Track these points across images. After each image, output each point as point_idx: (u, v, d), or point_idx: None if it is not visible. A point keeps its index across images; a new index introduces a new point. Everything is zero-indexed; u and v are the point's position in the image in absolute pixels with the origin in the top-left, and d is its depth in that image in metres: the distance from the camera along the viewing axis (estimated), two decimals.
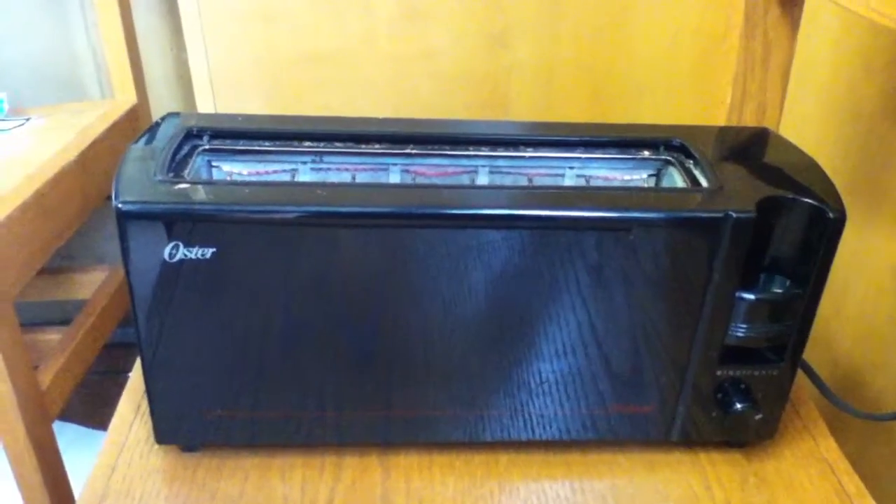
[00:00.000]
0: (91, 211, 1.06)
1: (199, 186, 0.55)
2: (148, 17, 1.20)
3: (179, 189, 0.54)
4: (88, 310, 1.10)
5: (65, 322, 1.08)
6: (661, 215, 0.55)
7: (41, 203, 0.93)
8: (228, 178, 0.62)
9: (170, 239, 0.52)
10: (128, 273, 0.54)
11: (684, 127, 0.66)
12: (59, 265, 1.25)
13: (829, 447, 0.67)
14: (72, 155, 1.01)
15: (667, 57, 1.01)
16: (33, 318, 1.20)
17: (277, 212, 0.53)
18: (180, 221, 0.52)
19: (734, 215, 0.54)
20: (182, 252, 0.53)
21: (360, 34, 1.02)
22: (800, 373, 0.71)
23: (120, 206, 0.52)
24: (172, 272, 0.54)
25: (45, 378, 0.96)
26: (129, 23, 1.14)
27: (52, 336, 1.05)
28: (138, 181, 0.54)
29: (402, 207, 0.54)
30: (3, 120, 1.12)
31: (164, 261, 0.53)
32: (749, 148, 0.66)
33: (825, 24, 0.88)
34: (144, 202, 0.52)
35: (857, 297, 0.87)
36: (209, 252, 0.53)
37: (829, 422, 0.69)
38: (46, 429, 0.94)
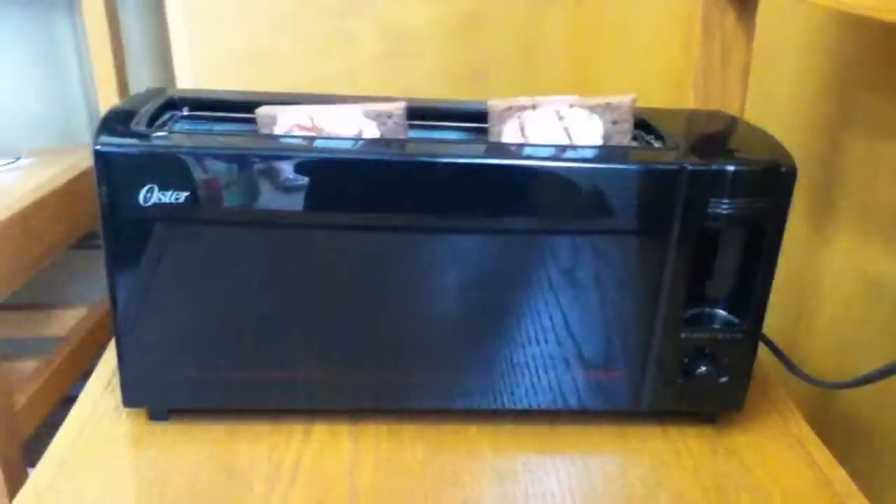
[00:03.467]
0: (74, 240, 1.08)
1: (175, 133, 0.57)
2: (142, 68, 1.25)
3: (157, 135, 0.56)
4: (67, 340, 1.10)
5: None
6: (620, 166, 0.57)
7: (26, 223, 0.95)
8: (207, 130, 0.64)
9: (145, 181, 0.54)
10: (103, 221, 0.55)
11: (647, 108, 0.69)
12: (38, 303, 1.26)
13: (798, 424, 0.67)
14: (58, 183, 1.04)
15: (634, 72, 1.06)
16: (14, 355, 1.19)
17: (252, 155, 0.55)
18: (155, 162, 0.54)
19: (689, 167, 0.56)
20: (157, 196, 0.54)
21: (344, 71, 1.06)
22: (768, 360, 0.72)
23: (98, 147, 0.53)
24: (147, 219, 0.55)
25: (20, 399, 0.96)
26: (122, 74, 1.18)
27: (30, 363, 1.05)
28: (117, 129, 0.56)
29: (378, 154, 0.56)
30: None
31: (140, 205, 0.55)
32: (708, 123, 0.69)
33: (786, 43, 0.93)
34: (121, 144, 0.54)
35: (826, 305, 0.89)
36: (183, 196, 0.55)
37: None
38: (15, 448, 0.93)
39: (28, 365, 1.05)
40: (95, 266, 1.36)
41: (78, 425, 0.62)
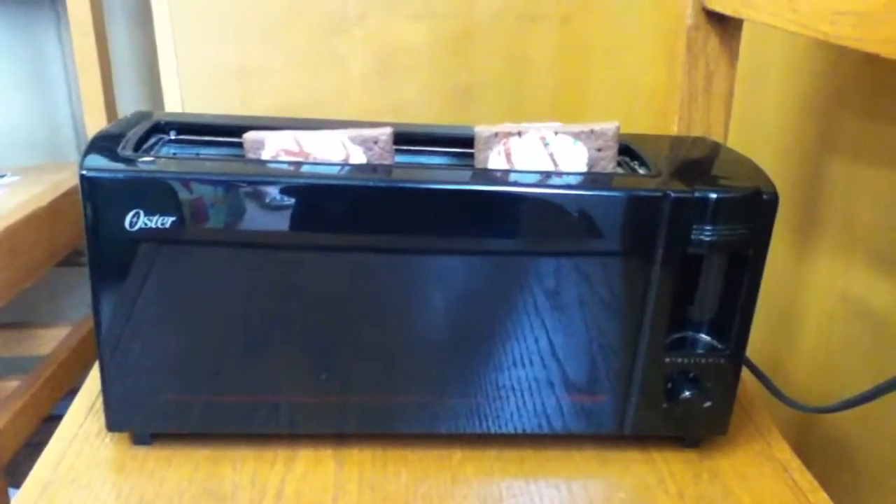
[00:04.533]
0: (59, 259, 1.07)
1: (162, 158, 0.57)
2: (130, 86, 1.25)
3: (143, 160, 0.56)
4: (49, 359, 1.09)
5: None
6: (604, 193, 0.57)
7: (11, 241, 0.95)
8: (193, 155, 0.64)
9: (131, 206, 0.54)
10: (89, 245, 0.55)
11: (631, 135, 0.70)
12: (21, 321, 1.25)
13: (781, 448, 0.67)
14: (44, 201, 1.04)
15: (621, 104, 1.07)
16: None
17: (239, 181, 0.55)
18: (141, 188, 0.54)
19: (672, 195, 0.57)
20: (143, 221, 0.55)
21: (334, 88, 1.07)
22: (752, 383, 0.72)
23: (84, 172, 0.54)
24: (133, 243, 0.55)
25: (2, 418, 0.95)
26: (109, 92, 1.18)
27: (11, 383, 1.04)
28: (103, 154, 0.56)
29: (364, 180, 0.57)
30: None
31: (125, 230, 0.55)
32: (691, 149, 0.69)
33: (769, 69, 0.94)
34: (107, 169, 0.54)
35: (809, 328, 0.89)
36: (169, 221, 0.55)
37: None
38: None
39: (10, 384, 1.04)
40: (79, 284, 1.35)
41: (61, 449, 0.62)
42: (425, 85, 1.06)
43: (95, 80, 1.15)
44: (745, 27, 0.77)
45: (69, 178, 1.14)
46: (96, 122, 1.16)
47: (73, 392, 1.09)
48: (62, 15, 1.26)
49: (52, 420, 1.00)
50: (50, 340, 1.19)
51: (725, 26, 0.76)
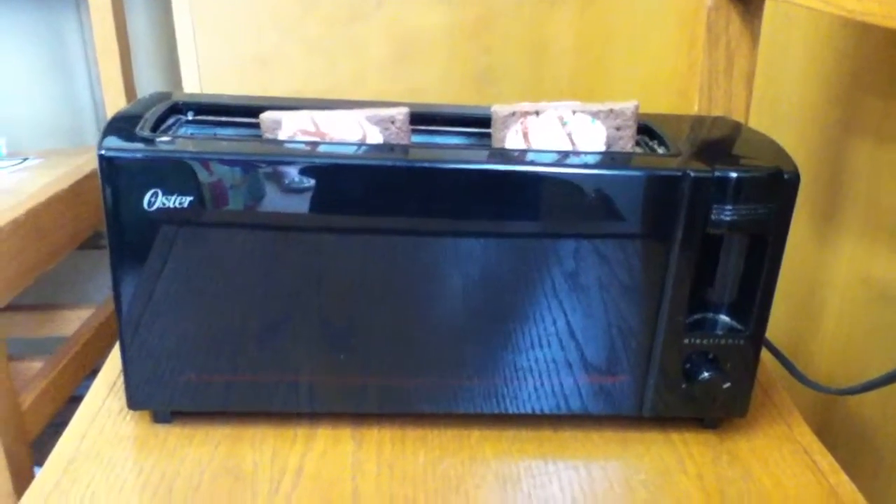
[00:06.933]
0: (81, 241, 1.08)
1: (179, 138, 0.57)
2: (149, 71, 1.25)
3: (161, 140, 0.56)
4: (73, 340, 1.11)
5: None
6: (623, 172, 0.57)
7: (34, 223, 0.96)
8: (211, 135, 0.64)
9: (149, 186, 0.54)
10: (108, 225, 0.56)
11: (650, 114, 0.69)
12: (45, 303, 1.26)
13: (802, 431, 0.67)
14: (65, 184, 1.04)
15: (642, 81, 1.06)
16: (21, 355, 1.20)
17: (256, 160, 0.55)
18: (159, 167, 0.54)
19: (692, 174, 0.56)
20: (161, 200, 0.55)
21: (351, 75, 1.06)
22: (773, 365, 0.72)
23: (103, 152, 0.54)
24: (152, 223, 0.55)
25: (26, 399, 0.96)
26: (129, 76, 1.18)
27: (37, 363, 1.06)
28: (122, 134, 0.56)
29: (381, 160, 0.56)
30: (0, 160, 1.16)
31: (144, 209, 0.55)
32: (711, 129, 0.69)
33: (791, 50, 0.93)
34: (126, 149, 0.55)
35: (831, 311, 0.88)
36: (187, 201, 0.55)
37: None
38: (23, 447, 0.94)
39: (35, 365, 1.05)
40: (101, 267, 1.36)
41: (83, 427, 0.63)
42: (444, 70, 1.06)
43: (115, 65, 1.16)
44: (767, 7, 0.76)
45: (90, 162, 1.15)
46: (116, 107, 1.16)
47: (96, 373, 1.10)
48: (82, 0, 1.27)
49: (75, 400, 1.01)
50: (73, 322, 1.20)
51: (747, 6, 0.75)
